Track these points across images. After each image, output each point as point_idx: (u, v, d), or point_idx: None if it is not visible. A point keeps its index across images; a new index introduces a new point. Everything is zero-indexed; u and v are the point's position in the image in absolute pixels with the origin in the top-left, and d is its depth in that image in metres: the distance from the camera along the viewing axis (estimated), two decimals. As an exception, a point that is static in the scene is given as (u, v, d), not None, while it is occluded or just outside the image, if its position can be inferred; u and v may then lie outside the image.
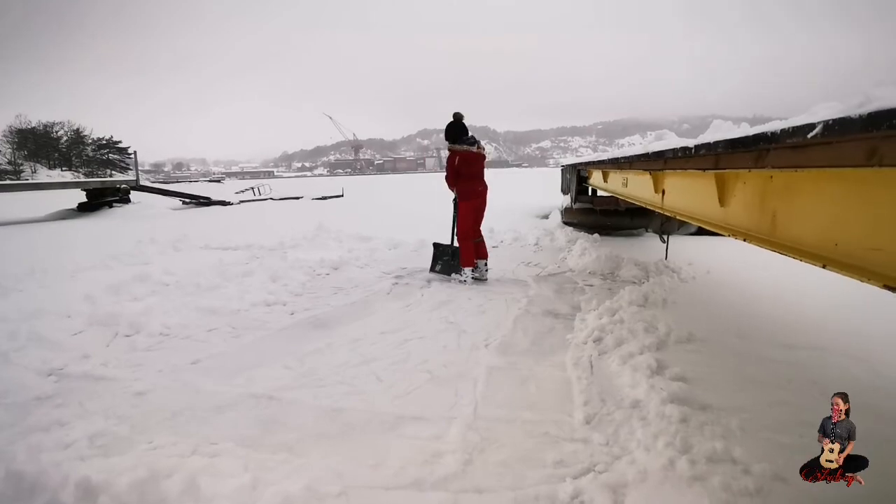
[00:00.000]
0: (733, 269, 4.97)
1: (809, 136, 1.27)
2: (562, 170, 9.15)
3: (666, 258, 5.28)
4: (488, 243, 7.19)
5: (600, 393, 2.45)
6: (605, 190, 6.17)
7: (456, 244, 5.07)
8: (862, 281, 1.37)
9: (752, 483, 1.71)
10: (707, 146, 2.05)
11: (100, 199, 14.30)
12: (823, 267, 1.54)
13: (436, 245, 5.31)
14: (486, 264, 5.01)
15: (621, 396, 2.40)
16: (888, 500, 1.50)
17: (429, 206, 10.84)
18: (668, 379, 2.48)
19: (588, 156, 10.33)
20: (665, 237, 5.48)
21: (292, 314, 3.87)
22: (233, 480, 1.76)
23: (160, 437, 2.10)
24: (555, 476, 1.83)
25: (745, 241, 2.10)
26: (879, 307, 3.41)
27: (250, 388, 2.54)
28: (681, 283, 4.53)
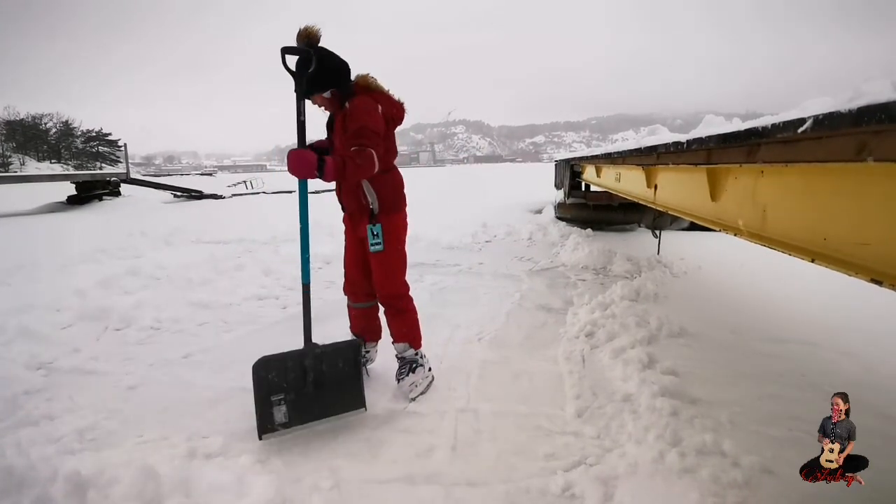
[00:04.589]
0: (725, 264, 5.00)
1: (800, 130, 1.28)
2: (555, 165, 9.16)
3: (658, 253, 5.31)
4: (482, 238, 7.20)
5: (592, 387, 2.47)
6: (598, 185, 6.18)
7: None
8: (850, 275, 1.39)
9: (740, 475, 1.73)
10: (699, 141, 2.06)
11: (89, 192, 14.16)
12: (812, 261, 1.55)
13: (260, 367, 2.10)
14: (372, 351, 2.69)
15: (613, 390, 2.42)
16: (876, 491, 1.52)
17: (423, 202, 10.82)
18: (659, 373, 2.50)
19: (581, 151, 10.35)
20: (657, 232, 5.51)
21: (285, 308, 3.86)
22: (224, 474, 1.76)
23: (151, 431, 2.09)
24: (546, 469, 1.84)
25: (736, 235, 2.11)
26: (867, 301, 3.45)
27: (242, 382, 2.51)
28: (672, 277, 4.56)
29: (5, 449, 1.73)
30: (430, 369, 2.53)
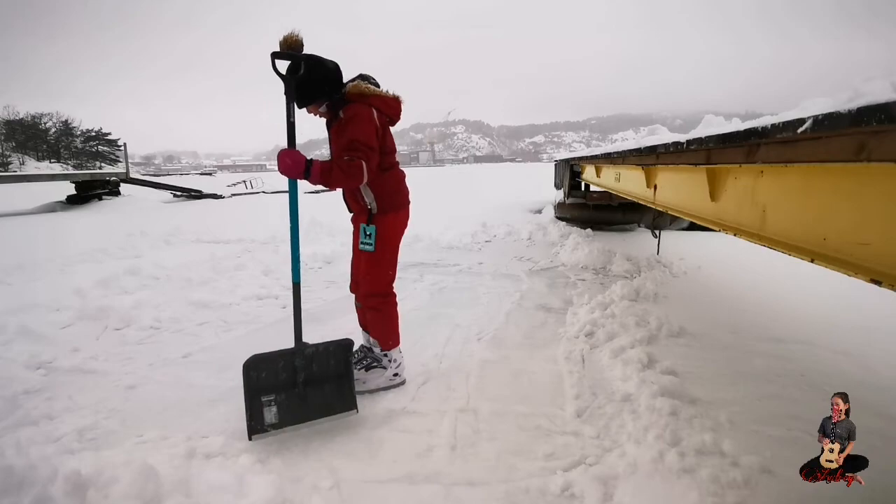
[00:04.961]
0: (724, 264, 5.01)
1: (799, 131, 1.28)
2: (555, 165, 9.16)
3: (658, 253, 5.31)
4: (481, 238, 7.22)
5: (592, 386, 2.47)
6: (598, 185, 6.18)
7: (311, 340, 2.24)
8: (849, 275, 1.39)
9: (740, 475, 1.73)
10: (698, 141, 2.06)
11: (89, 192, 14.16)
12: (811, 261, 1.55)
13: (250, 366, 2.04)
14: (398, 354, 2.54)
15: (612, 390, 2.42)
16: (876, 490, 1.52)
17: (423, 202, 10.82)
18: (658, 373, 2.50)
19: (581, 151, 10.35)
20: (657, 232, 5.52)
21: (284, 308, 3.86)
22: (224, 474, 1.76)
23: (151, 431, 2.09)
24: (546, 469, 1.84)
25: (735, 235, 2.12)
26: (867, 301, 3.45)
27: (242, 382, 2.52)
28: (672, 277, 4.56)
29: (5, 448, 1.73)
30: (395, 374, 2.48)
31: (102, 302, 3.71)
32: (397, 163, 2.44)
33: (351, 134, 2.14)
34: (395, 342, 2.50)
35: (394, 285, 2.50)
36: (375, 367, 2.48)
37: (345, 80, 2.29)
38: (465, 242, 6.68)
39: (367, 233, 2.31)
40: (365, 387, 2.40)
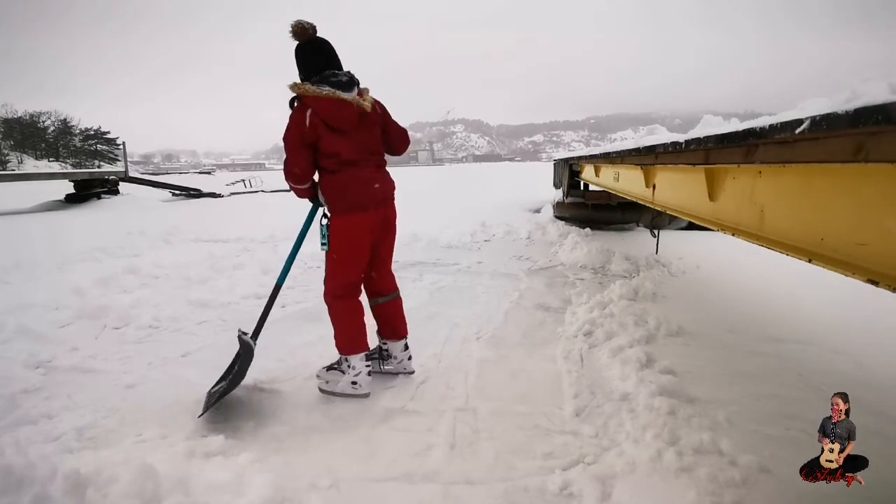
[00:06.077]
0: (723, 263, 5.01)
1: (797, 131, 1.28)
2: (554, 164, 9.17)
3: (656, 252, 5.31)
4: (480, 237, 7.20)
5: (590, 386, 2.47)
6: (597, 184, 6.18)
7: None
8: (846, 275, 1.39)
9: (738, 474, 1.74)
10: (697, 141, 2.06)
11: (88, 191, 14.16)
12: (809, 261, 1.55)
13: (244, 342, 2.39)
14: (406, 347, 2.64)
15: (611, 389, 2.43)
16: (875, 490, 1.53)
17: (422, 201, 10.82)
18: (657, 372, 2.50)
19: (580, 150, 10.36)
20: (656, 232, 5.52)
21: (283, 307, 3.86)
22: (223, 473, 1.76)
23: (150, 430, 2.09)
24: (545, 468, 1.84)
25: (733, 235, 2.12)
26: (865, 301, 3.46)
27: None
28: (671, 277, 4.57)
29: (4, 448, 1.73)
30: (353, 383, 2.37)
31: (101, 301, 3.71)
32: (352, 165, 2.28)
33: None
34: (353, 349, 2.40)
35: (356, 290, 2.46)
36: (335, 368, 2.45)
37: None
38: (464, 241, 6.67)
39: (322, 232, 2.35)
40: (326, 387, 2.42)
